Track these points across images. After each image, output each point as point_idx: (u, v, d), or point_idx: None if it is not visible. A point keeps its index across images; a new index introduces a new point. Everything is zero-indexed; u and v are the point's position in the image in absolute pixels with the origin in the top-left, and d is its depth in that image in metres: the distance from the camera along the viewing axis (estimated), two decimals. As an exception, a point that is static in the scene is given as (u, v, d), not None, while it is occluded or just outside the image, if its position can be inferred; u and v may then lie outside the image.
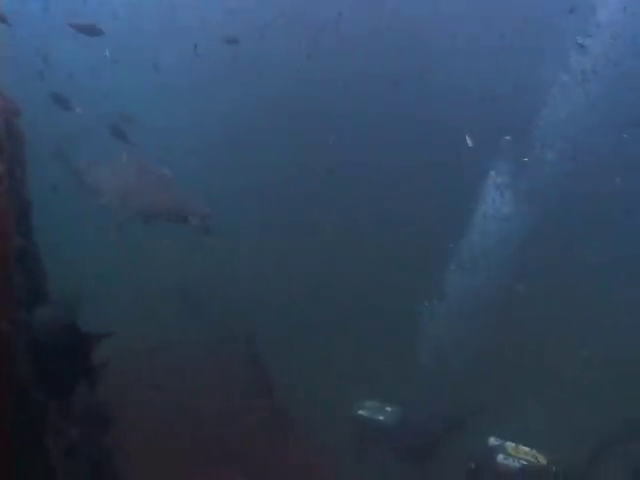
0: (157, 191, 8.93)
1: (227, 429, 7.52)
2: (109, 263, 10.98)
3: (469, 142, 11.22)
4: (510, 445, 7.92)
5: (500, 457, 7.82)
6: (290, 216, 14.35)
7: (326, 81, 15.67)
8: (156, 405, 7.55)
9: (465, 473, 7.95)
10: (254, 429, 7.83)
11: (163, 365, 8.54)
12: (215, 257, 12.30)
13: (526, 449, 7.86)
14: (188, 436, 7.28)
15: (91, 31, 8.80)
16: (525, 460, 7.74)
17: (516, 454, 7.80)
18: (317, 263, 12.76)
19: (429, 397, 8.94)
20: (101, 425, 5.29)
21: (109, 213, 9.15)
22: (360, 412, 9.02)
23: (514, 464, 7.74)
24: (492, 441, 8.04)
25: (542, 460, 7.72)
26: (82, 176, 10.13)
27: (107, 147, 9.60)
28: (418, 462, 8.54)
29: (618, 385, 9.83)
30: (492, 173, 11.02)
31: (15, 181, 3.99)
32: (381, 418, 8.93)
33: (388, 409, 9.02)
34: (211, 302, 10.45)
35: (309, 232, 13.72)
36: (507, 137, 11.15)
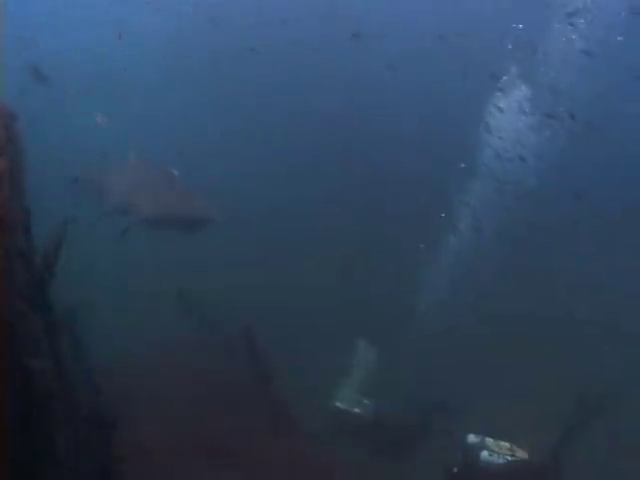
0: (165, 195, 8.73)
1: (227, 429, 7.59)
2: (108, 266, 11.04)
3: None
4: (490, 441, 7.94)
5: (484, 454, 7.84)
6: (290, 215, 14.43)
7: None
8: (157, 406, 7.65)
9: (446, 473, 7.92)
10: (253, 429, 7.88)
11: (163, 366, 8.65)
12: (215, 257, 12.42)
13: (506, 444, 7.90)
14: (188, 436, 7.35)
15: None
16: (510, 455, 7.77)
17: (498, 450, 7.82)
18: (317, 262, 12.85)
19: (408, 390, 8.94)
20: (104, 426, 5.41)
21: (113, 217, 9.08)
22: (337, 404, 9.11)
23: (500, 460, 7.78)
24: (472, 438, 8.03)
25: (522, 454, 7.76)
26: (86, 180, 10.06)
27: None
28: (394, 456, 8.49)
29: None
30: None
31: (14, 181, 4.14)
32: (357, 410, 9.01)
33: (365, 402, 9.10)
34: (211, 302, 10.53)
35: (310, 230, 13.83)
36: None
